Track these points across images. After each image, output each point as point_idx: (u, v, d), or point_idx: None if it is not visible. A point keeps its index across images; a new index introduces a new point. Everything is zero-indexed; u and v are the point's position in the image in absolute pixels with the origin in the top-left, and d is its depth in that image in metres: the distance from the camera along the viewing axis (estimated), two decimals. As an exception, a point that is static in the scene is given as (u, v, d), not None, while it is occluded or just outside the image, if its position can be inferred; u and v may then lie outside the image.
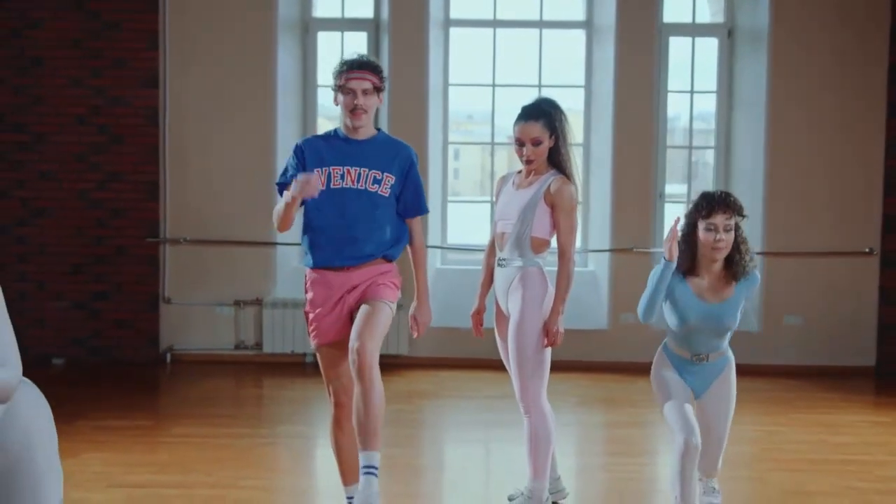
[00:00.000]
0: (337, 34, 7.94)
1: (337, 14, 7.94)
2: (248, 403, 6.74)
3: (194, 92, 7.50)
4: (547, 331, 4.03)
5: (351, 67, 3.76)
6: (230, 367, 7.43)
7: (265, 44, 7.49)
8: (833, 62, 7.44)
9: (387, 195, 3.78)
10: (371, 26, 7.82)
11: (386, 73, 7.46)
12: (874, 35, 7.41)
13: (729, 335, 3.82)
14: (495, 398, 6.53)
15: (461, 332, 7.42)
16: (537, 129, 4.05)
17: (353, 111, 3.74)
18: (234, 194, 7.55)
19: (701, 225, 3.67)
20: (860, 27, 7.42)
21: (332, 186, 3.76)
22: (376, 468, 3.51)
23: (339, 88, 3.78)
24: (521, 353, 4.04)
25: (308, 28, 7.89)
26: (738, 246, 3.69)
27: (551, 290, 4.09)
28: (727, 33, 7.79)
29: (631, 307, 7.44)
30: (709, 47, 7.87)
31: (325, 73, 7.97)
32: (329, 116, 8.28)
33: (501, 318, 4.26)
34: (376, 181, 3.77)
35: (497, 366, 6.70)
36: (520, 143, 4.08)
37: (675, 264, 3.68)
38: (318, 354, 3.91)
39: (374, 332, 3.59)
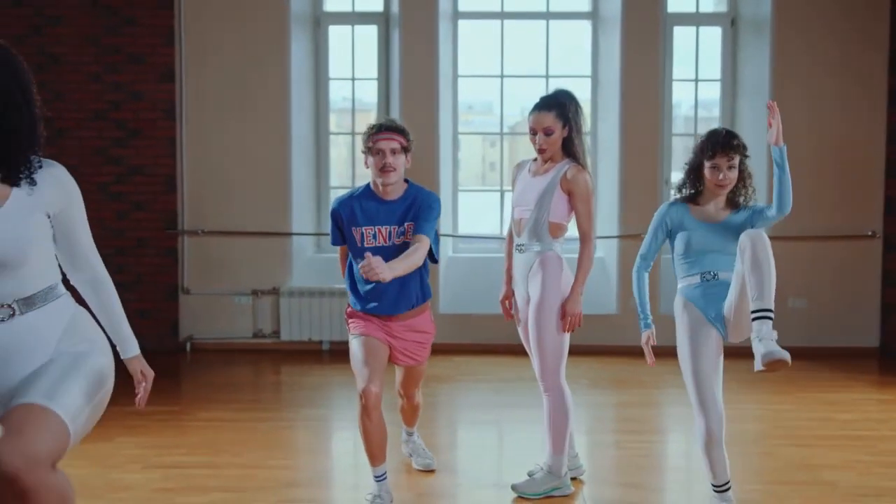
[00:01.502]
0: (348, 28, 8.10)
1: (347, 8, 8.10)
2: (268, 389, 6.92)
3: (210, 86, 7.67)
4: (563, 312, 4.19)
5: (379, 130, 4.03)
6: (249, 355, 7.62)
7: (278, 38, 7.64)
8: (834, 49, 7.59)
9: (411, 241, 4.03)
10: (381, 19, 7.97)
11: (396, 65, 7.70)
12: (875, 22, 7.56)
13: (737, 257, 3.95)
14: (509, 381, 6.72)
15: (474, 318, 7.63)
16: (550, 119, 4.19)
17: (382, 169, 3.99)
18: (250, 186, 7.72)
19: (707, 164, 3.88)
20: (861, 15, 7.57)
21: (365, 245, 4.06)
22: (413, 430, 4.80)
23: (368, 150, 4.03)
24: (542, 334, 4.20)
25: (319, 22, 8.04)
26: (742, 179, 3.93)
27: (570, 273, 4.25)
28: (730, 22, 7.94)
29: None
30: (712, 36, 8.03)
31: (337, 67, 8.18)
32: (340, 110, 8.44)
33: (519, 303, 4.43)
34: (401, 234, 4.06)
35: (509, 350, 6.94)
36: (533, 132, 4.24)
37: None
38: (355, 342, 4.13)
39: (419, 384, 4.54)
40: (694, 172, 3.95)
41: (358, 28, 8.08)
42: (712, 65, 8.05)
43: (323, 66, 8.10)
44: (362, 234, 4.06)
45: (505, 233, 7.68)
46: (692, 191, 3.98)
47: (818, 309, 7.72)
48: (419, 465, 4.74)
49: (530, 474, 4.45)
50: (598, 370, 7.07)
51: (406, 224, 4.05)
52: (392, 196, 4.07)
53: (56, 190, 2.60)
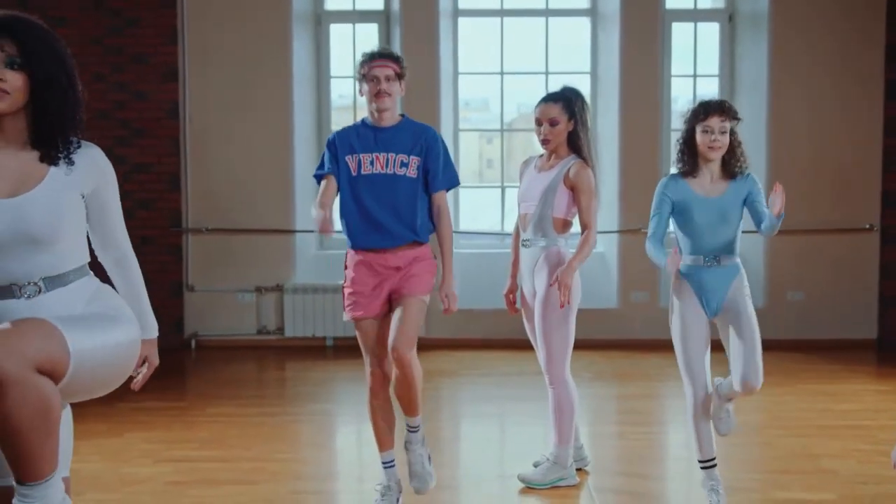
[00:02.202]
0: (349, 26, 8.16)
1: (348, 6, 8.17)
2: (273, 385, 6.99)
3: (213, 85, 7.73)
4: (554, 280, 4.14)
5: (373, 57, 4.00)
6: (253, 352, 7.70)
7: (280, 37, 7.71)
8: (831, 44, 7.66)
9: (415, 177, 3.98)
10: (382, 18, 8.04)
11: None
12: (871, 17, 7.63)
13: (737, 238, 4.02)
14: (510, 375, 6.80)
15: (475, 313, 7.70)
16: (555, 111, 4.27)
17: (377, 95, 3.96)
18: (254, 184, 7.78)
19: (699, 128, 3.94)
20: (857, 10, 7.63)
21: (362, 172, 3.99)
22: (417, 427, 4.09)
23: (362, 77, 4.00)
24: (547, 328, 4.27)
25: (320, 20, 8.10)
26: (732, 148, 3.99)
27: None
28: (728, 18, 8.01)
29: (640, 286, 7.75)
30: (710, 32, 8.10)
31: (338, 65, 8.24)
32: (342, 107, 8.50)
33: (526, 297, 4.50)
34: (403, 164, 3.98)
35: (511, 345, 7.02)
36: (538, 123, 4.32)
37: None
38: (355, 326, 4.10)
39: (409, 333, 3.89)
40: (687, 143, 3.99)
41: (359, 26, 8.15)
42: (710, 60, 8.12)
43: (324, 64, 8.16)
44: (359, 160, 3.99)
45: (506, 229, 7.76)
46: (687, 159, 4.00)
47: (816, 302, 7.80)
48: (414, 487, 4.16)
49: (536, 465, 4.52)
50: (599, 363, 7.14)
51: (411, 157, 3.98)
52: (388, 123, 4.03)
53: (92, 170, 2.65)
